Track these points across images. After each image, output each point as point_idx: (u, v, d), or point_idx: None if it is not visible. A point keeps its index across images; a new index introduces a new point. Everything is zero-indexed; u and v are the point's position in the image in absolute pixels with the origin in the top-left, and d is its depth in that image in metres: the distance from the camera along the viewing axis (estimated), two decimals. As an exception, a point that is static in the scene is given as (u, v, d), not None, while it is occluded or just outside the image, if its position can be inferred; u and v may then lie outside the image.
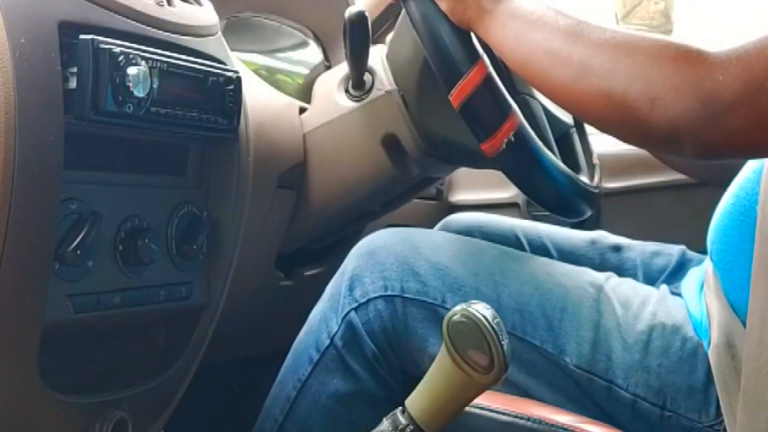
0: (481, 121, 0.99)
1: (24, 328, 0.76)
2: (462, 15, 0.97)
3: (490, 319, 0.77)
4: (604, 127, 0.91)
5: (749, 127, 0.78)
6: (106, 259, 0.85)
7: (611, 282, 1.09)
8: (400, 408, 0.79)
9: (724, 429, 0.95)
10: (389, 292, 1.07)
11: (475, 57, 0.99)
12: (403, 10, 1.06)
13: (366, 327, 1.07)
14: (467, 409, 0.96)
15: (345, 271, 1.12)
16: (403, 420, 0.78)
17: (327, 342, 1.10)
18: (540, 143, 1.02)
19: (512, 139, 0.98)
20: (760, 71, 0.77)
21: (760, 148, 0.82)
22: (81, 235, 0.80)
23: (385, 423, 0.79)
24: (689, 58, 0.80)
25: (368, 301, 1.08)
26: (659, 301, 1.05)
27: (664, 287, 1.11)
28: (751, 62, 0.77)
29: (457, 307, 0.79)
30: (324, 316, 1.12)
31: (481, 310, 0.78)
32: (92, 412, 0.85)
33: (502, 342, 0.77)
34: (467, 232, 1.34)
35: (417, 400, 0.79)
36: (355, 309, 1.08)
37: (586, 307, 1.04)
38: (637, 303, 1.05)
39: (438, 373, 0.78)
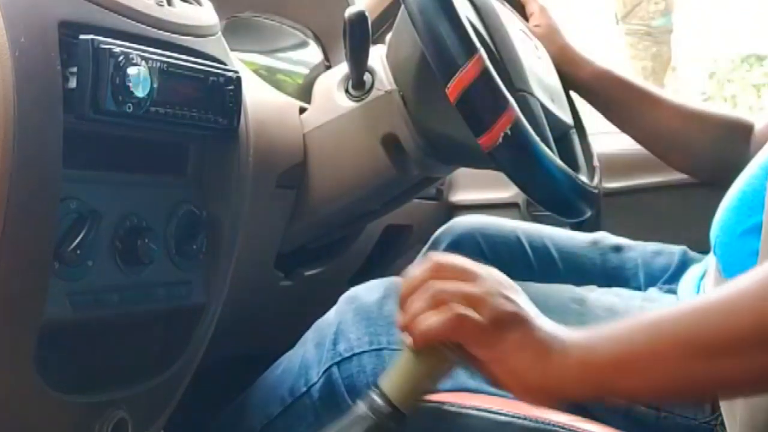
0: (477, 115, 0.99)
1: (23, 327, 0.76)
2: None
3: None
4: None
5: None
6: (106, 259, 0.85)
7: (594, 294, 1.09)
8: (375, 390, 0.78)
9: (721, 424, 0.95)
10: (375, 347, 1.06)
11: (472, 50, 0.99)
12: (402, 7, 1.06)
13: (346, 382, 1.06)
14: (464, 410, 0.96)
15: (331, 322, 1.11)
16: (378, 400, 0.77)
17: (303, 389, 1.09)
18: (537, 139, 1.01)
19: (509, 133, 0.98)
20: None
21: None
22: (80, 235, 0.80)
23: (361, 405, 0.77)
24: None
25: (353, 356, 1.07)
26: (645, 304, 1.05)
27: (651, 290, 1.11)
28: None
29: None
30: (305, 362, 1.11)
31: None
32: (92, 412, 0.85)
33: None
34: (469, 235, 1.34)
35: (391, 381, 0.78)
36: (338, 363, 1.07)
37: (570, 323, 1.04)
38: (623, 308, 1.05)
39: (411, 352, 0.77)
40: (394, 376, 0.78)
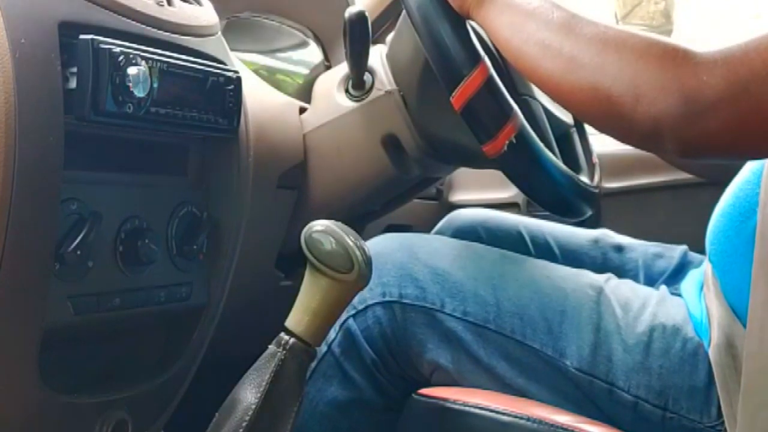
0: (482, 123, 0.99)
1: (24, 329, 0.76)
2: (462, 3, 0.98)
3: (339, 224, 0.83)
4: (589, 121, 0.93)
5: (729, 128, 0.79)
6: (107, 260, 0.85)
7: (611, 284, 1.08)
8: (284, 329, 0.84)
9: (725, 430, 0.95)
10: (387, 299, 1.06)
11: (476, 59, 0.99)
12: (404, 11, 1.06)
13: (364, 334, 1.07)
14: (468, 409, 0.97)
15: None
16: (285, 336, 0.83)
17: (324, 349, 1.09)
18: (541, 145, 1.02)
19: (514, 140, 0.98)
20: (744, 74, 0.77)
21: (738, 150, 0.83)
22: (81, 236, 0.79)
23: (271, 346, 0.83)
24: (675, 57, 0.81)
25: (366, 308, 1.07)
26: (659, 303, 1.05)
27: (663, 288, 1.11)
28: (736, 64, 0.78)
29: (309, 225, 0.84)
30: None
31: (331, 224, 0.84)
32: (92, 413, 0.85)
33: (357, 242, 0.82)
34: (471, 228, 1.34)
35: (294, 317, 0.84)
36: (353, 316, 1.07)
37: (585, 309, 1.04)
38: (637, 304, 1.04)
39: (307, 286, 0.84)
40: (295, 312, 0.84)
